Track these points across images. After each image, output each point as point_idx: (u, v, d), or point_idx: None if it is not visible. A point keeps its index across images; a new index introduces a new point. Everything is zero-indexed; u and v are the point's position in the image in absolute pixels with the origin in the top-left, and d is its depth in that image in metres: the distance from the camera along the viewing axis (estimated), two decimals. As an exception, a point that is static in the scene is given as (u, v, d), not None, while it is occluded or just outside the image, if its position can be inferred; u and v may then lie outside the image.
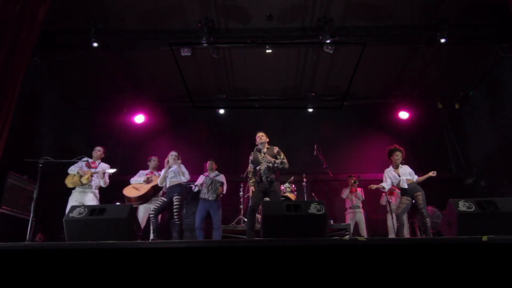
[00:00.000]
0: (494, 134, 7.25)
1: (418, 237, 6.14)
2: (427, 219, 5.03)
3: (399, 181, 5.22)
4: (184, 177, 5.17)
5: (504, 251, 2.45)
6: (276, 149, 4.87)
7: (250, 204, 4.68)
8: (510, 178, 6.63)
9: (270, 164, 4.67)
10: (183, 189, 5.18)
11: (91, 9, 5.91)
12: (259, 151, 4.85)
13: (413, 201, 5.12)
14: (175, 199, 4.99)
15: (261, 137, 4.90)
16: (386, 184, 5.35)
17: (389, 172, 5.38)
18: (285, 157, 4.82)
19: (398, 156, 5.33)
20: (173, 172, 5.22)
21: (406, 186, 5.17)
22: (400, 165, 5.34)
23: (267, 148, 4.87)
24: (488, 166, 7.45)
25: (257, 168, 4.75)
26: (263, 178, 4.66)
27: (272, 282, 2.41)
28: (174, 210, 4.96)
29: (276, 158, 4.76)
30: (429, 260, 2.46)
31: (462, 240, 2.61)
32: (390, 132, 8.43)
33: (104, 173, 5.26)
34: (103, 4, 5.91)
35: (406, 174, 5.24)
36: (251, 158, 4.93)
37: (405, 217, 6.13)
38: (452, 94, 8.33)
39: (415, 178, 5.26)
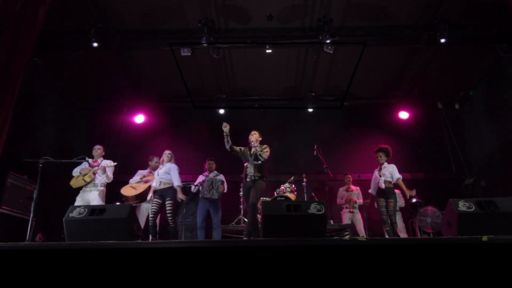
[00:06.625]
0: (494, 134, 7.24)
1: (418, 237, 6.14)
2: (395, 224, 5.11)
3: (379, 181, 5.29)
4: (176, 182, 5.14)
5: (504, 251, 2.45)
6: (264, 146, 4.86)
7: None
8: (510, 178, 6.62)
9: (258, 154, 4.67)
10: (175, 193, 5.11)
11: (91, 9, 5.92)
12: (250, 148, 4.87)
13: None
14: (168, 204, 4.99)
15: (255, 135, 4.90)
16: (372, 190, 5.52)
17: (375, 173, 5.46)
18: (266, 153, 4.75)
19: (381, 156, 5.42)
20: (165, 172, 5.16)
21: (383, 187, 5.22)
22: (384, 164, 5.37)
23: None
24: (488, 166, 7.44)
25: (245, 164, 4.81)
26: (247, 176, 4.70)
27: (272, 282, 2.41)
28: (168, 215, 4.98)
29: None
30: (429, 260, 2.46)
31: (462, 240, 2.61)
32: (390, 132, 8.42)
33: (104, 169, 5.22)
34: (103, 4, 5.91)
35: (386, 175, 5.28)
36: (242, 149, 4.93)
37: (398, 217, 6.18)
38: (452, 94, 8.33)
39: (395, 178, 5.27)
